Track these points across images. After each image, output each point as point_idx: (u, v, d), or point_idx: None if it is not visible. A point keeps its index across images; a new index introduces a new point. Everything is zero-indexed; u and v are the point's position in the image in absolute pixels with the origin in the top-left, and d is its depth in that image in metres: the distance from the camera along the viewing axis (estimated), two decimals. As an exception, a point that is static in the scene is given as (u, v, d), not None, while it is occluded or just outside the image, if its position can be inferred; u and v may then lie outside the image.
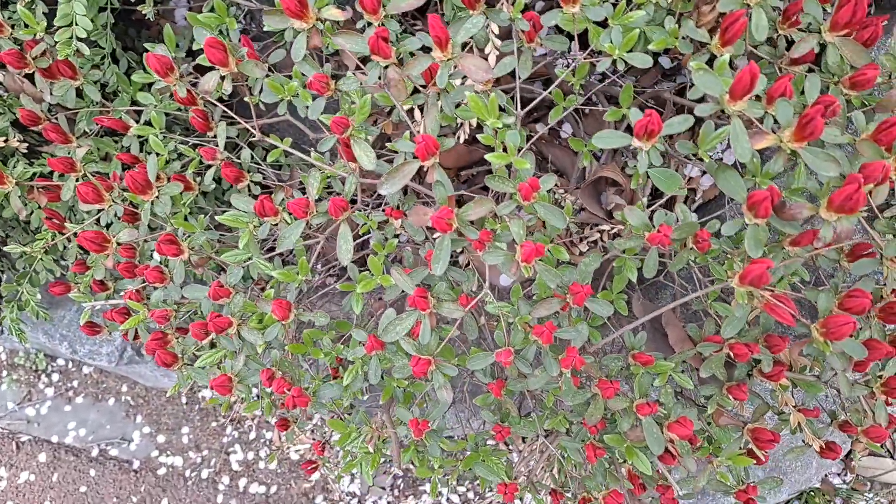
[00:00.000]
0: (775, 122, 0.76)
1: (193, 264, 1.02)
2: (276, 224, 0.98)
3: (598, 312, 0.90)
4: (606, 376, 0.98)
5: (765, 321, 1.01)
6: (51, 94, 1.22)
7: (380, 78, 0.82)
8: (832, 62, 0.83)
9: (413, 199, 1.14)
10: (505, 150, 0.80)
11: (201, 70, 1.33)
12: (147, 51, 1.12)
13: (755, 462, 1.04)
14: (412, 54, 0.80)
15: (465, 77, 0.85)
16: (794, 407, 1.09)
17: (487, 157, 0.77)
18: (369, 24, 0.83)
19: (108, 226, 1.18)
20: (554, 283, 0.81)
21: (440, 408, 0.99)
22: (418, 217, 0.84)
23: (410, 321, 0.91)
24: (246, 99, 1.20)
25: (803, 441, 1.16)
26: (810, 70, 0.91)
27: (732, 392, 1.03)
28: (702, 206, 1.34)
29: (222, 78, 0.90)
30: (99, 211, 1.06)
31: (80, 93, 1.34)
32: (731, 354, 0.97)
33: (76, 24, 1.00)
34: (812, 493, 2.02)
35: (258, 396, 1.13)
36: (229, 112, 1.12)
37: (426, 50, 0.81)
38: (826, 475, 2.08)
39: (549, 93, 0.99)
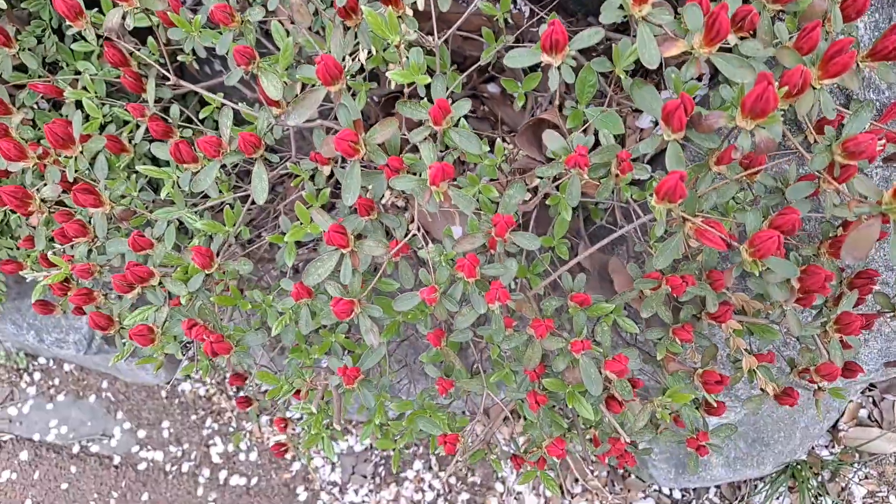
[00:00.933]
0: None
1: (117, 218, 0.99)
2: (198, 172, 0.95)
3: (523, 245, 0.86)
4: (542, 317, 0.94)
5: (706, 257, 0.97)
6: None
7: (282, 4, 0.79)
8: (750, -28, 0.80)
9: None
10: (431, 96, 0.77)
11: (138, 34, 1.32)
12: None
13: (709, 411, 1.00)
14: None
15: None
16: (747, 351, 1.05)
17: (389, 73, 0.74)
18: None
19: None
20: (469, 209, 0.78)
21: (373, 355, 0.96)
22: (327, 147, 0.81)
23: (332, 261, 0.88)
24: (179, 58, 1.18)
25: (761, 389, 1.12)
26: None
27: (678, 333, 0.99)
28: (655, 157, 1.30)
29: (124, 16, 0.88)
30: (24, 171, 1.04)
31: (25, 68, 1.33)
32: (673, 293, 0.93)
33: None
34: (799, 467, 1.97)
35: (192, 359, 1.09)
36: (166, 73, 1.10)
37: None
38: (812, 447, 2.03)
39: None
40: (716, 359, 1.08)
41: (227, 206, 0.99)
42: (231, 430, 2.48)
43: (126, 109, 1.18)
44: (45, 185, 1.01)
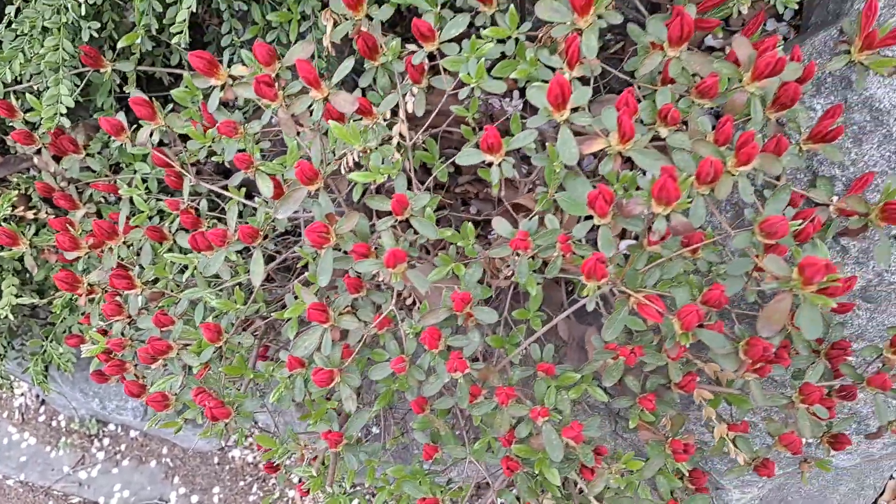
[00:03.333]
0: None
1: (148, 299, 1.16)
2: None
3: (483, 320, 0.96)
4: (507, 385, 1.02)
5: (666, 328, 1.03)
6: (59, 167, 1.43)
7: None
8: (673, 73, 0.90)
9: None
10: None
11: (184, 138, 1.53)
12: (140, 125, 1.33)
13: (677, 461, 1.04)
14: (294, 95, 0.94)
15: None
16: (718, 418, 1.08)
17: (351, 176, 0.88)
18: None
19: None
20: (423, 288, 0.89)
21: (357, 421, 1.06)
22: (310, 235, 0.94)
23: (316, 334, 1.00)
24: (214, 158, 1.37)
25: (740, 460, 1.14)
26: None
27: (642, 402, 1.05)
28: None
29: (152, 132, 1.07)
30: (77, 258, 1.23)
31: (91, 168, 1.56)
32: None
33: (60, 103, 1.21)
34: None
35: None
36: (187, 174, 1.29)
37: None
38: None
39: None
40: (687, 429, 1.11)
41: (239, 285, 1.14)
42: (275, 497, 2.59)
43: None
44: (93, 271, 1.19)
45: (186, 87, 1.05)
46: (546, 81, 0.95)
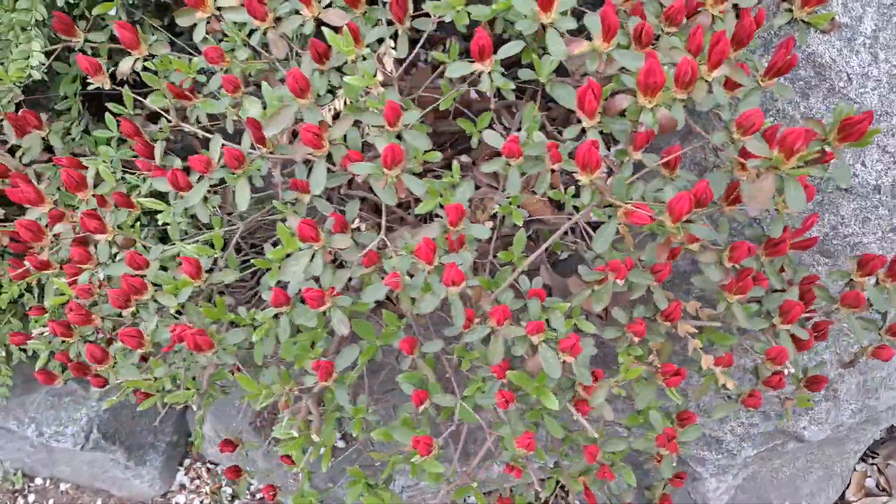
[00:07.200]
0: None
1: (119, 245, 1.11)
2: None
3: (476, 235, 0.97)
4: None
5: (647, 256, 1.06)
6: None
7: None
8: None
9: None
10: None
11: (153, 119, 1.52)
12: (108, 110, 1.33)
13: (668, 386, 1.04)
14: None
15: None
16: (702, 349, 1.10)
17: (346, 79, 0.90)
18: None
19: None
20: (419, 190, 0.90)
21: (348, 354, 1.02)
22: (300, 150, 0.94)
23: (305, 258, 0.98)
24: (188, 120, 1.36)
25: (725, 394, 1.16)
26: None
27: (631, 328, 1.06)
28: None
29: (135, 61, 1.06)
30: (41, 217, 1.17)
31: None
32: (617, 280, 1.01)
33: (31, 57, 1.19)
34: (814, 544, 1.88)
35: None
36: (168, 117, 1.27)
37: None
38: (825, 522, 1.94)
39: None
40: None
41: (215, 233, 1.11)
42: (225, 541, 2.40)
43: (135, 174, 1.35)
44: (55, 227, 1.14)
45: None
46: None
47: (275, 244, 1.09)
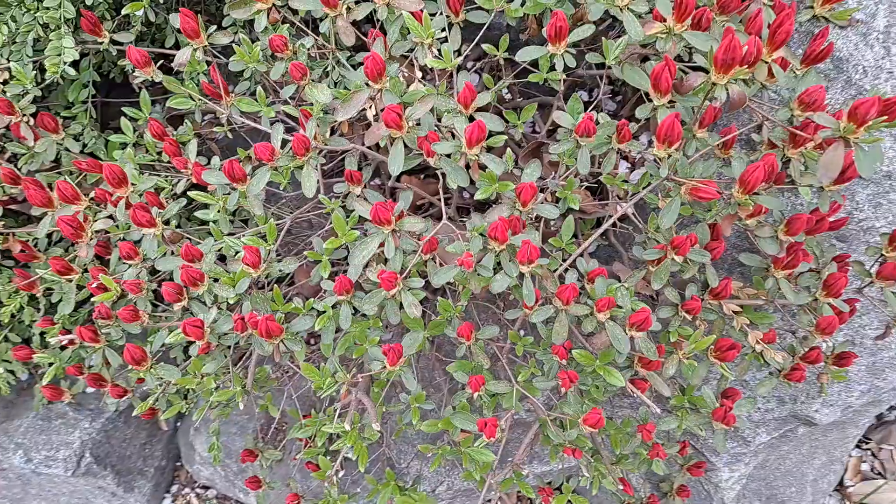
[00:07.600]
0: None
1: (167, 240, 1.08)
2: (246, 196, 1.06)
3: (545, 215, 0.98)
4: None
5: (701, 235, 1.09)
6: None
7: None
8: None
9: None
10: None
11: (172, 121, 1.49)
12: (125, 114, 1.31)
13: (721, 361, 1.07)
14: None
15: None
16: (748, 325, 1.14)
17: (427, 61, 0.90)
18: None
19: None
20: (499, 170, 0.91)
21: (414, 335, 1.01)
22: (373, 135, 0.94)
23: (375, 242, 0.97)
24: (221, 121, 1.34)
25: (769, 370, 1.20)
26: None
27: (687, 305, 1.09)
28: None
29: (195, 50, 1.04)
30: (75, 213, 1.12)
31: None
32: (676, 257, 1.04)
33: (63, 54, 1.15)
34: (816, 528, 1.94)
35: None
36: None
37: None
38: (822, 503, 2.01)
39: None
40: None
41: (269, 224, 1.09)
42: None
43: (166, 178, 1.31)
44: (97, 220, 1.10)
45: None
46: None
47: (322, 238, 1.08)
